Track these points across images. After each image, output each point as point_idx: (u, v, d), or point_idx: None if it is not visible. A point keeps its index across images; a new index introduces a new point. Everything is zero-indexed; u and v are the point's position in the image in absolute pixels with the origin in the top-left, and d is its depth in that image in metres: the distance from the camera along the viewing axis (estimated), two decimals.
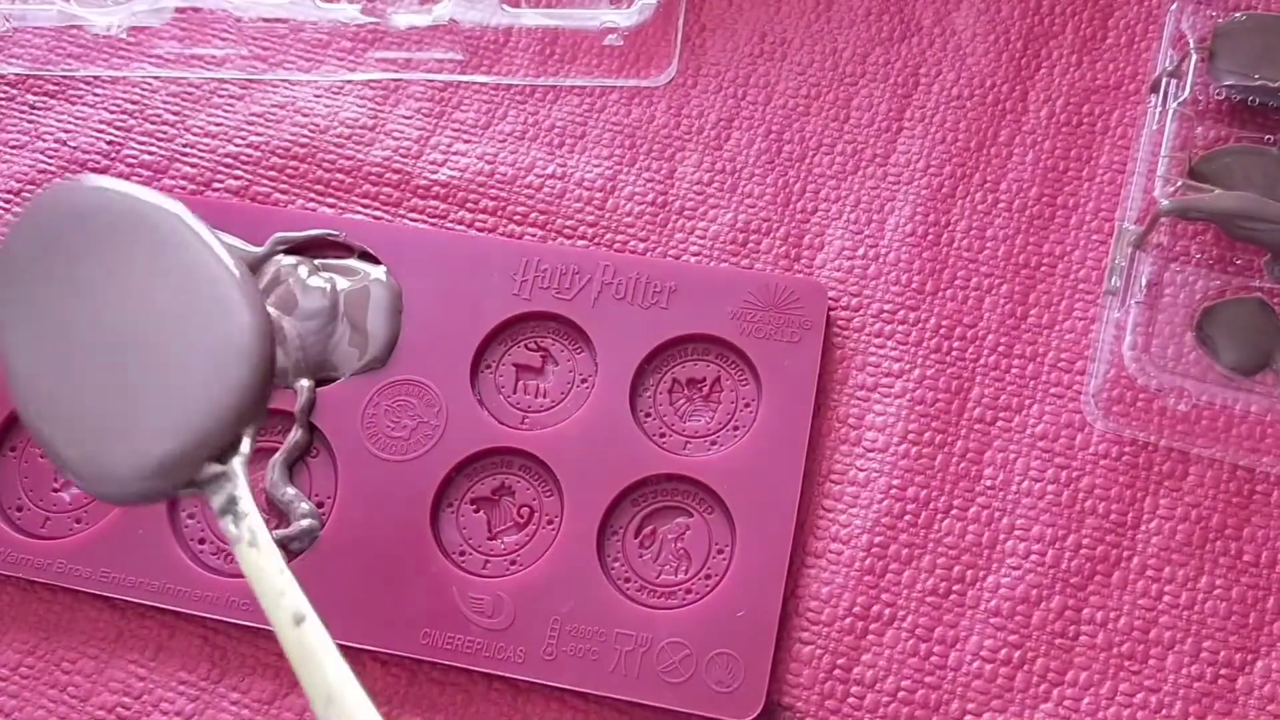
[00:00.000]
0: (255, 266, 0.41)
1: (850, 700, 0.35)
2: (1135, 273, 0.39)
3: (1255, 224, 0.38)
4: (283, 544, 0.37)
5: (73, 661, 0.37)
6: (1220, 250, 0.40)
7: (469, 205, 0.43)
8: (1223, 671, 0.35)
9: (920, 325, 0.40)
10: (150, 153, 0.45)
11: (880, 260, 0.42)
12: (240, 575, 0.37)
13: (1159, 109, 0.41)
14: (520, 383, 0.40)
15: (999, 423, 0.39)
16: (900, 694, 0.35)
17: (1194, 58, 0.41)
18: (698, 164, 0.44)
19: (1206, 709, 0.35)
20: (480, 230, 0.43)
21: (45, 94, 0.46)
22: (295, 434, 0.38)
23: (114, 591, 0.37)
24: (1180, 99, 0.40)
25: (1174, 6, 0.43)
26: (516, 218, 0.43)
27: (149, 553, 0.37)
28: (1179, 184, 0.38)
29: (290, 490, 0.38)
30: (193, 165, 0.44)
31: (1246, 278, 0.39)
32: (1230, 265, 0.39)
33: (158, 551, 0.37)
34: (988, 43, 0.45)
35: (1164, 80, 0.41)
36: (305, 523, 0.37)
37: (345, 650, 0.36)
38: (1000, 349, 0.40)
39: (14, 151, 0.45)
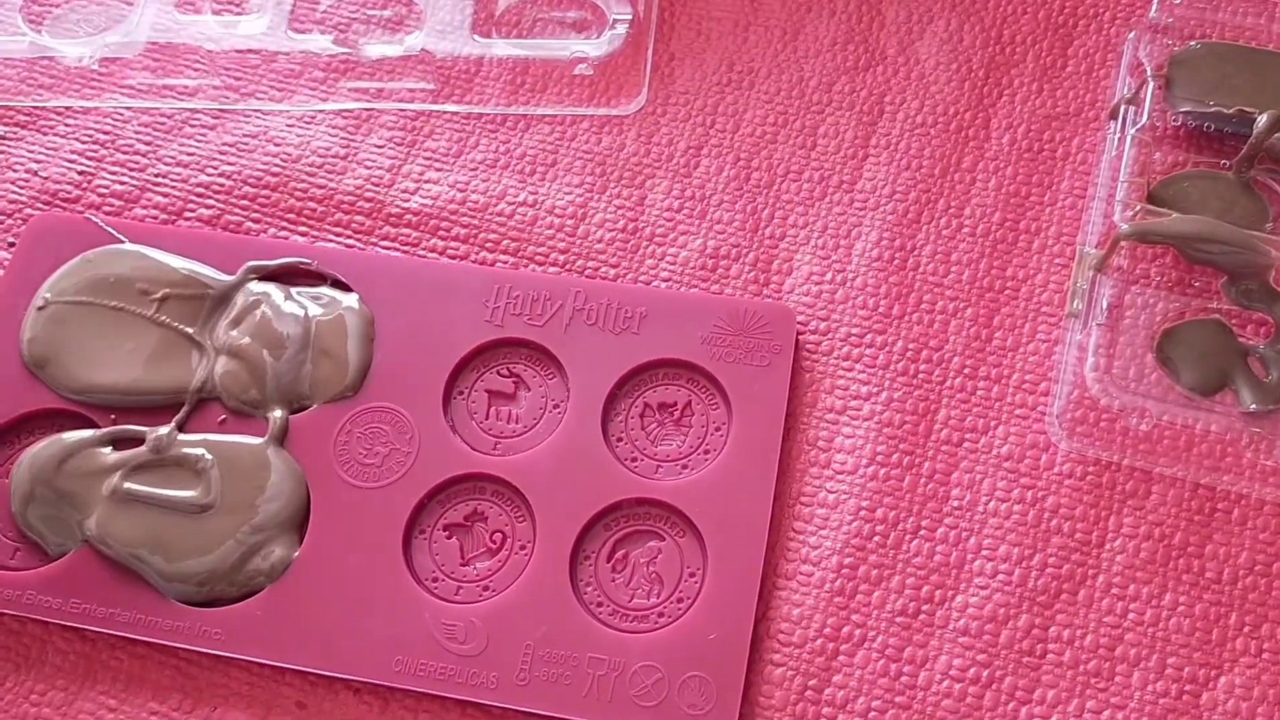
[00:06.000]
0: (228, 295, 0.41)
1: None
2: (1096, 295, 0.39)
3: (1212, 247, 0.38)
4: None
5: (42, 694, 0.37)
6: (1179, 273, 0.40)
7: (441, 233, 0.44)
8: (1187, 687, 0.36)
9: (887, 348, 0.41)
10: (122, 182, 0.45)
11: (847, 285, 0.42)
12: (212, 604, 0.37)
13: (1118, 135, 0.42)
14: (492, 409, 0.40)
15: (965, 444, 0.39)
16: (871, 714, 0.36)
17: (1151, 85, 0.42)
18: (667, 191, 0.44)
19: None
20: (452, 258, 0.43)
21: (16, 124, 0.46)
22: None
23: (84, 623, 0.37)
24: (1138, 125, 0.41)
25: (1132, 35, 0.44)
26: (489, 245, 0.43)
27: (118, 584, 0.37)
28: (1138, 208, 0.39)
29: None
30: (164, 195, 0.45)
31: (1205, 299, 0.40)
32: (1189, 287, 0.40)
33: (127, 582, 0.37)
34: (950, 71, 0.46)
35: (1122, 107, 0.42)
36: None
37: (317, 678, 0.36)
38: (966, 371, 0.40)
39: None
